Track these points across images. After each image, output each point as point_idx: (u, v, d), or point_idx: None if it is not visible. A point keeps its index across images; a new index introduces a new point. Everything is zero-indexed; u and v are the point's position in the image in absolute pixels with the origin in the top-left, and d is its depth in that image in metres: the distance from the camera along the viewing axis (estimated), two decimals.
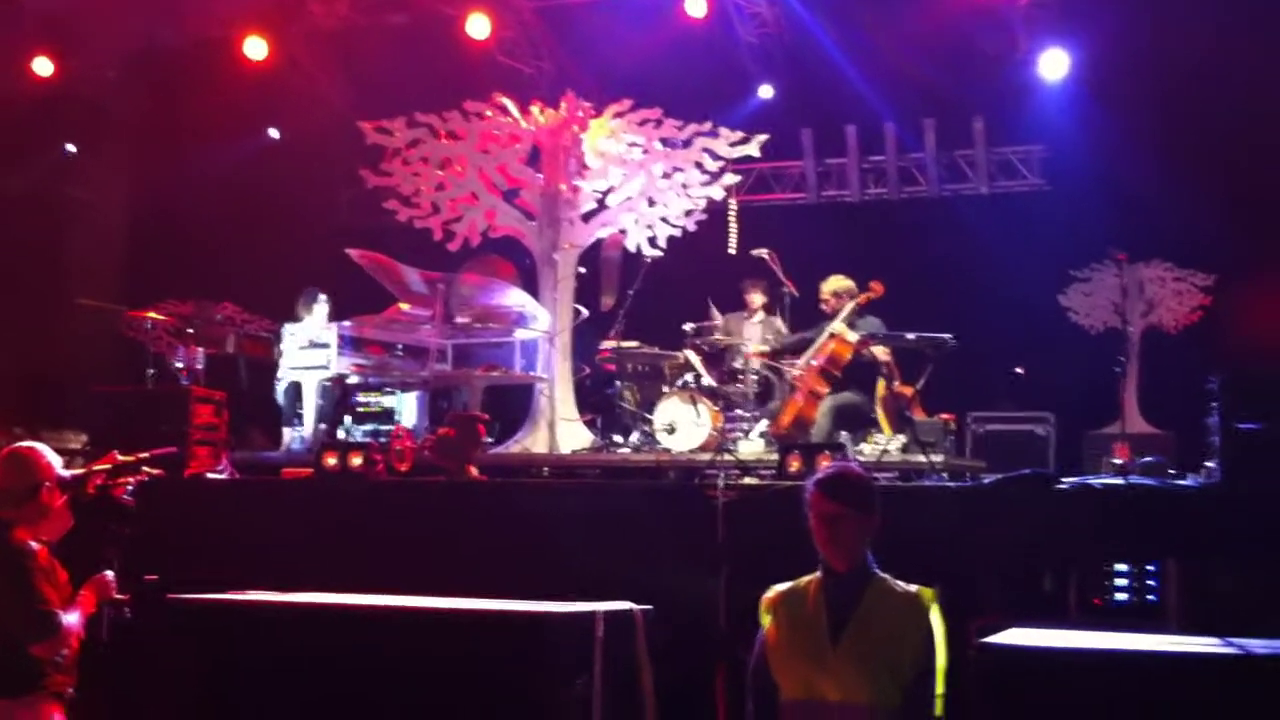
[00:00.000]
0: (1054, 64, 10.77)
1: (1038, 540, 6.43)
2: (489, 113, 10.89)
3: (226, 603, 5.03)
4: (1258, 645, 4.06)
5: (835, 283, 9.28)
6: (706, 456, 8.57)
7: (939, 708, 3.84)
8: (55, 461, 4.88)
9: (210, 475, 7.91)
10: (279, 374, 10.32)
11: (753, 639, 4.15)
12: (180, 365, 10.14)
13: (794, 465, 7.09)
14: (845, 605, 3.93)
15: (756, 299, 10.29)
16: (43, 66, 12.16)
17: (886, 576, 4.02)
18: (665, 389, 9.72)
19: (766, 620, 4.05)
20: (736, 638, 4.58)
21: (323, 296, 10.54)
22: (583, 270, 10.98)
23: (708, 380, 9.70)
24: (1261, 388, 6.34)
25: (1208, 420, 6.51)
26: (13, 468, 4.75)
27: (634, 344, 10.45)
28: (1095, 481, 6.89)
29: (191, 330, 10.87)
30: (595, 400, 10.76)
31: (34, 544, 4.69)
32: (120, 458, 5.33)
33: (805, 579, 4.05)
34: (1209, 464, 6.63)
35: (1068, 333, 11.25)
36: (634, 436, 9.92)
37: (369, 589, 5.41)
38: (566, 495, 7.54)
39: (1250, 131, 10.39)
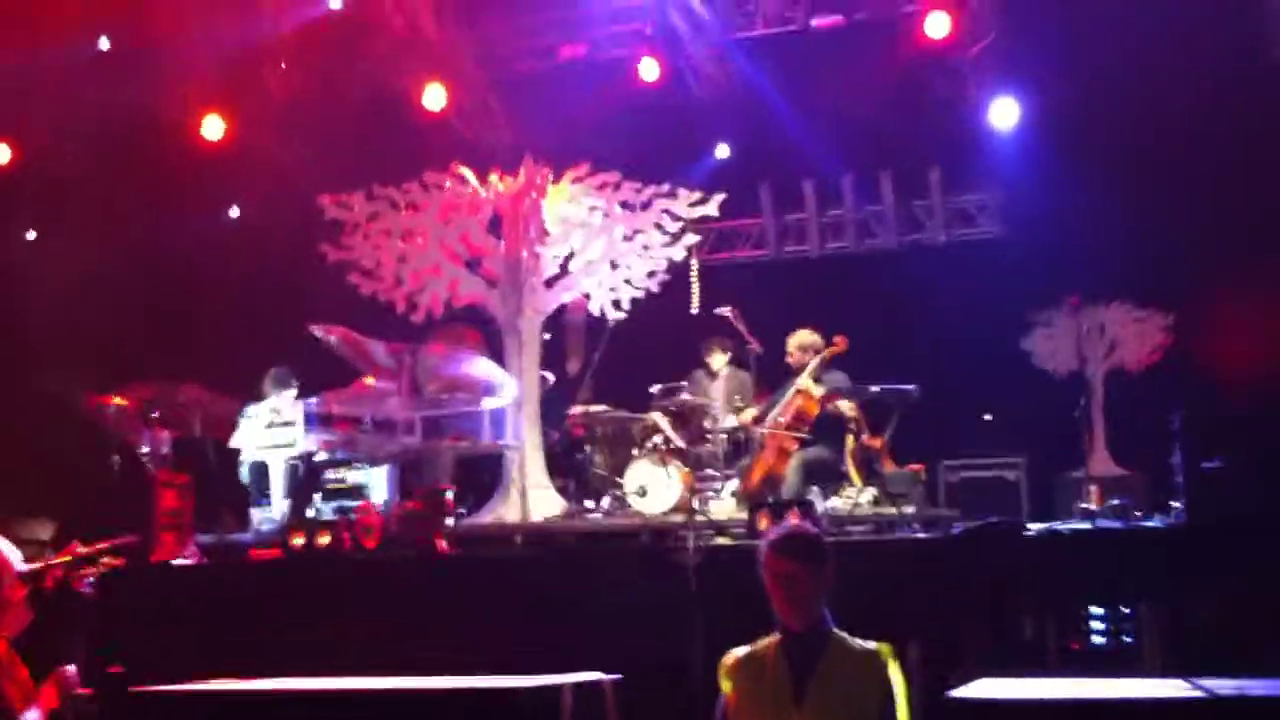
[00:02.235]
0: (1005, 111, 10.90)
1: (1011, 588, 6.43)
2: (448, 183, 10.92)
3: (192, 693, 4.95)
4: (1228, 686, 4.05)
5: (802, 337, 9.32)
6: (679, 518, 8.54)
7: None
8: (14, 556, 4.82)
9: (176, 562, 7.82)
10: (241, 454, 10.23)
11: None
12: (146, 450, 10.06)
13: (764, 522, 7.09)
14: (805, 665, 3.93)
15: (717, 359, 10.30)
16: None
17: (843, 634, 4.01)
18: (635, 452, 9.70)
19: (726, 685, 4.03)
20: (710, 701, 4.54)
21: (289, 374, 10.47)
22: (547, 336, 10.98)
23: (677, 441, 9.69)
24: (1221, 425, 6.39)
25: (1171, 460, 6.55)
26: None
27: (602, 408, 10.43)
28: (1062, 527, 6.92)
29: (156, 414, 10.79)
30: (565, 466, 10.73)
31: None
32: (81, 549, 5.27)
33: (763, 641, 4.05)
34: (1174, 503, 6.66)
35: (1033, 377, 11.30)
36: (605, 501, 9.88)
37: (339, 670, 5.35)
38: (537, 563, 7.51)
39: (1199, 168, 10.52)
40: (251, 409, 10.30)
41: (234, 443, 10.19)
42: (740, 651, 4.08)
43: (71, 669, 4.79)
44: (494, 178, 10.95)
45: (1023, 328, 11.50)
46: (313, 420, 9.88)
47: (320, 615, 6.95)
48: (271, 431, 10.10)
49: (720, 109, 12.12)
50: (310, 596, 7.14)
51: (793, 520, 5.20)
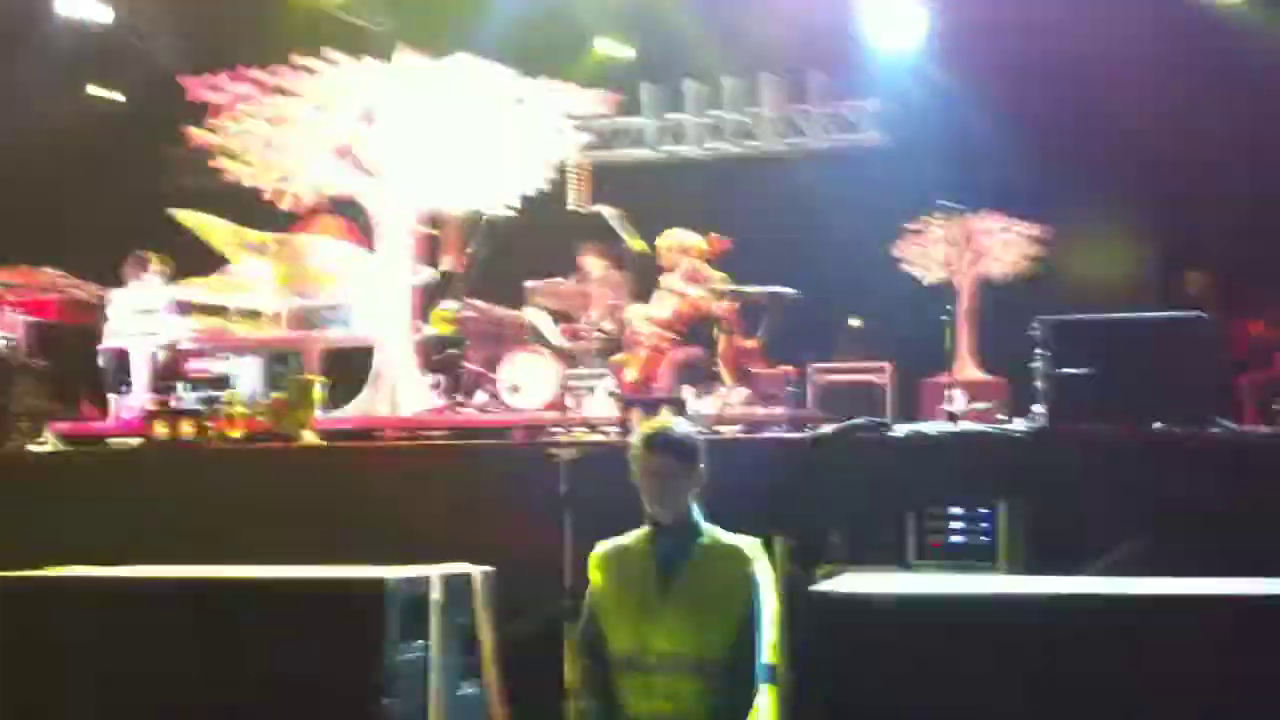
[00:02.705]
0: (892, 21, 10.90)
1: (875, 487, 6.57)
2: (320, 67, 10.56)
3: (44, 579, 4.82)
4: (1076, 584, 4.19)
5: (672, 238, 9.31)
6: (551, 415, 8.53)
7: (775, 655, 3.88)
8: None
9: (31, 448, 7.60)
10: (104, 340, 9.94)
11: None
12: (1, 334, 9.72)
13: (636, 421, 7.11)
14: (672, 558, 3.96)
15: (592, 256, 10.25)
16: None
17: (714, 528, 4.05)
18: (509, 348, 9.64)
19: (595, 576, 4.06)
20: (581, 596, 4.57)
21: (148, 259, 10.16)
22: (423, 229, 10.78)
23: (552, 338, 9.65)
24: (1081, 332, 6.55)
25: (1034, 366, 6.71)
26: None
27: (477, 303, 10.32)
28: (927, 428, 7.06)
29: (12, 296, 10.43)
30: (438, 361, 10.62)
31: None
32: None
33: (633, 534, 4.07)
34: (1036, 408, 6.84)
35: (903, 284, 11.49)
36: (478, 397, 9.82)
37: (202, 560, 5.25)
38: (406, 456, 7.45)
39: (1078, 88, 10.70)
40: (115, 293, 10.00)
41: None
42: (609, 544, 4.11)
43: None
44: (368, 63, 10.63)
45: (895, 235, 11.65)
46: (177, 308, 9.63)
47: (182, 506, 6.81)
48: (134, 318, 9.83)
49: (605, 4, 11.95)
50: (172, 487, 6.98)
51: (664, 417, 5.22)
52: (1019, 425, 7.34)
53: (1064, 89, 10.87)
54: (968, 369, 10.53)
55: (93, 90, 12.90)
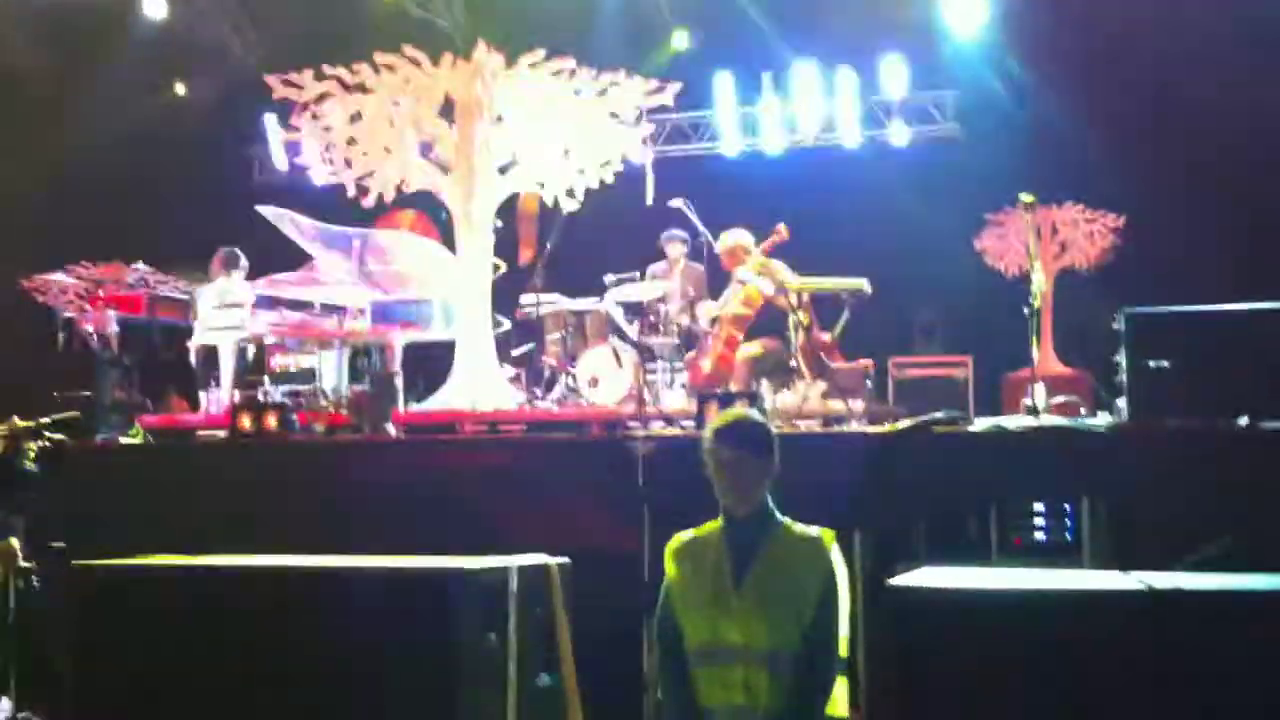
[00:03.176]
0: (969, 11, 10.78)
1: (955, 482, 6.52)
2: (400, 65, 10.68)
3: (132, 568, 4.94)
4: (1163, 579, 4.13)
5: (729, 240, 9.32)
6: (629, 409, 8.56)
7: (844, 649, 3.87)
8: None
9: (121, 440, 7.77)
10: (193, 337, 10.14)
11: None
12: (91, 328, 9.94)
13: (711, 414, 7.12)
14: (746, 550, 3.96)
15: (675, 249, 10.27)
16: None
17: (787, 520, 4.04)
18: (587, 342, 9.68)
19: (670, 568, 4.07)
20: (657, 588, 4.59)
21: (238, 256, 10.33)
22: (500, 224, 10.86)
23: (629, 332, 9.68)
24: (1165, 325, 6.44)
25: (1117, 359, 6.61)
26: None
27: (554, 297, 10.38)
28: (1008, 422, 6.98)
29: (102, 292, 10.65)
30: (516, 355, 10.70)
31: None
32: (20, 423, 5.20)
33: (707, 526, 4.07)
34: (1119, 402, 6.74)
35: (984, 276, 11.35)
36: (556, 390, 9.88)
37: (286, 550, 5.35)
38: (486, 450, 7.52)
39: (1155, 73, 10.50)
40: (202, 289, 10.18)
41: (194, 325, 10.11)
42: (685, 536, 4.11)
43: (14, 541, 4.75)
44: (447, 61, 10.73)
45: (976, 226, 11.51)
46: (262, 303, 9.79)
47: (266, 497, 6.94)
48: (220, 313, 10.00)
49: None
50: (257, 479, 7.12)
51: (736, 409, 5.21)
52: (1102, 420, 7.25)
53: (1140, 74, 10.67)
54: (1049, 362, 10.38)
55: (180, 88, 13.13)
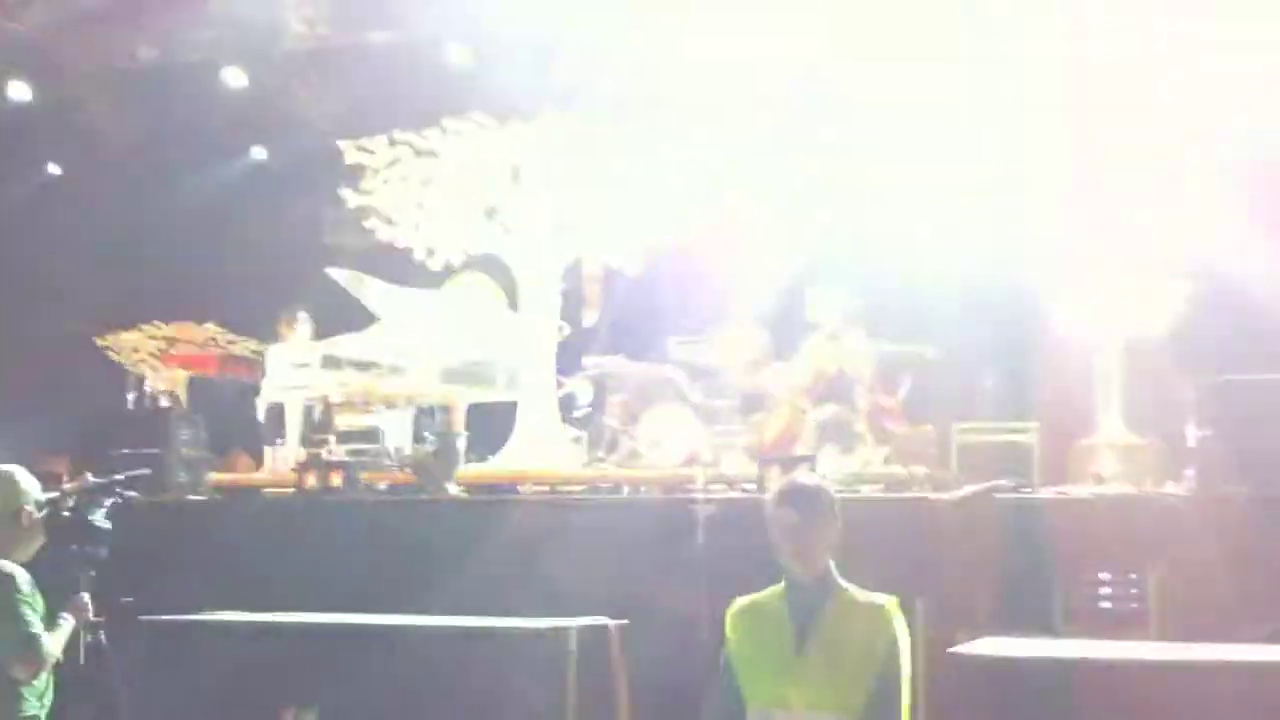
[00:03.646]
0: None
1: (1021, 550, 6.45)
2: (468, 130, 10.86)
3: (199, 623, 5.00)
4: (1234, 651, 4.06)
5: (819, 296, 9.30)
6: (690, 471, 8.56)
7: (906, 717, 3.83)
8: (34, 485, 4.85)
9: (190, 497, 7.89)
10: (261, 395, 10.29)
11: None
12: (162, 386, 10.13)
13: (774, 478, 7.11)
14: (809, 615, 3.93)
15: (739, 312, 10.28)
16: (18, 91, 12.20)
17: (850, 586, 4.02)
18: (649, 404, 9.71)
19: (732, 632, 4.05)
20: (719, 650, 4.57)
21: (305, 316, 10.51)
22: (565, 286, 10.96)
23: (692, 394, 9.69)
24: (1238, 394, 6.36)
25: (1187, 429, 6.53)
26: None
27: (617, 359, 10.43)
28: (1075, 490, 6.91)
29: (174, 351, 10.87)
30: (579, 416, 10.74)
31: (13, 568, 4.66)
32: (93, 479, 5.30)
33: (769, 590, 4.06)
34: (1188, 472, 6.65)
35: (1051, 340, 11.21)
36: (618, 452, 9.89)
37: (348, 607, 5.40)
38: (547, 511, 7.55)
39: (1229, 132, 10.38)
40: (272, 348, 10.36)
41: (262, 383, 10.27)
42: (746, 600, 4.10)
43: (85, 597, 4.82)
44: (515, 125, 10.89)
45: (1043, 292, 11.39)
46: (328, 363, 9.92)
47: (330, 555, 6.99)
48: (288, 373, 10.16)
49: None
50: (321, 536, 7.18)
51: (799, 473, 5.20)
52: (1170, 489, 7.15)
53: (1210, 130, 10.58)
54: (1116, 430, 10.23)
55: (257, 153, 13.40)
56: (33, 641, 4.53)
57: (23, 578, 4.63)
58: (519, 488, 9.32)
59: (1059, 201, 11.04)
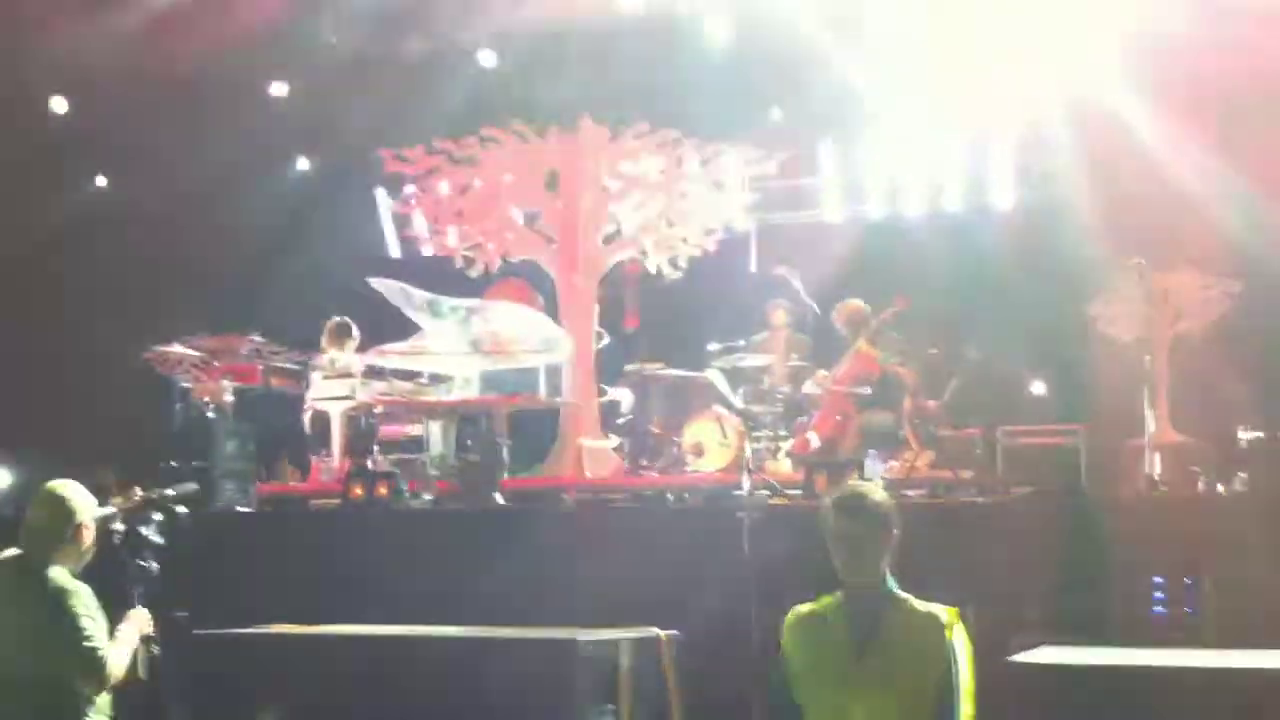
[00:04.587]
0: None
1: (1072, 555, 6.38)
2: (506, 138, 10.89)
3: (253, 636, 5.02)
4: None
5: (846, 309, 9.28)
6: (733, 477, 8.52)
7: None
8: (90, 500, 4.89)
9: (237, 509, 7.92)
10: (305, 406, 10.33)
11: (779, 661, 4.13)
12: (207, 398, 10.18)
13: (820, 483, 7.10)
14: (867, 625, 3.90)
15: (780, 318, 10.26)
16: (59, 105, 12.34)
17: (908, 596, 3.98)
18: (691, 410, 9.69)
19: (789, 643, 4.02)
20: (767, 659, 4.54)
21: (350, 326, 10.54)
22: (604, 293, 10.96)
23: (733, 401, 9.67)
24: None
25: (1240, 430, 6.45)
26: (54, 507, 4.75)
27: (658, 366, 10.42)
28: (1121, 492, 6.84)
29: (218, 363, 10.92)
30: (620, 424, 10.73)
31: (78, 583, 4.69)
32: (141, 494, 5.32)
33: (825, 600, 4.03)
34: (1242, 474, 6.57)
35: (1096, 343, 11.12)
36: (661, 459, 9.88)
37: (397, 618, 5.41)
38: (592, 520, 7.54)
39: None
40: (315, 359, 10.40)
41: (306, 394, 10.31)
42: (803, 609, 4.07)
43: (144, 610, 4.86)
44: (552, 132, 10.92)
45: (1088, 292, 11.29)
46: (371, 373, 9.95)
47: (378, 565, 7.02)
48: (330, 383, 10.20)
49: (781, 66, 11.97)
50: (368, 546, 7.21)
51: (857, 481, 5.15)
52: (1221, 490, 7.07)
53: (1261, 132, 10.45)
54: (1165, 432, 10.12)
55: (299, 163, 13.46)
56: (98, 656, 4.56)
57: (87, 592, 4.66)
58: (562, 496, 9.33)
59: (1107, 199, 10.96)
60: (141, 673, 4.79)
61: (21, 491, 10.62)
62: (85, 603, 4.62)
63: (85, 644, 4.55)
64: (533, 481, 9.81)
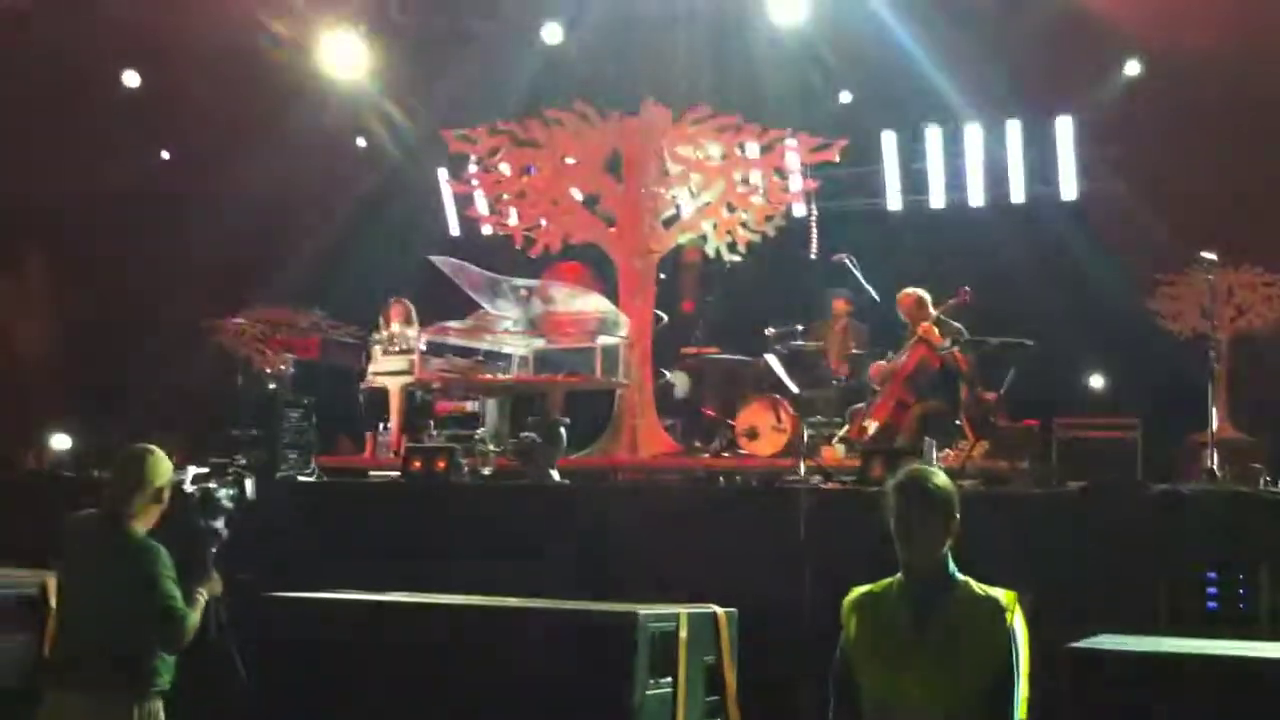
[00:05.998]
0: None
1: (1126, 546, 6.37)
2: (569, 120, 10.96)
3: (321, 600, 5.13)
4: None
5: (911, 296, 9.26)
6: (788, 461, 8.57)
7: (1023, 712, 3.82)
8: (169, 464, 5.01)
9: (300, 478, 8.06)
10: (364, 380, 10.47)
11: (835, 641, 4.17)
12: (268, 370, 10.35)
13: (877, 470, 7.11)
14: (926, 607, 3.93)
15: (840, 306, 10.28)
16: (130, 78, 12.56)
17: (968, 579, 4.02)
18: (747, 394, 9.74)
19: (849, 623, 4.07)
20: (819, 640, 4.59)
21: (408, 302, 10.66)
22: (663, 276, 11.02)
23: (789, 385, 9.70)
24: None
25: None
26: (142, 468, 4.85)
27: (715, 349, 10.47)
28: (1185, 488, 6.81)
29: (280, 336, 11.09)
30: (677, 406, 10.80)
31: (156, 544, 4.80)
32: (214, 461, 5.46)
33: (886, 581, 4.06)
34: None
35: (1155, 338, 11.07)
36: (715, 442, 9.94)
37: (454, 589, 5.50)
38: (648, 499, 7.61)
39: None
40: (375, 335, 10.54)
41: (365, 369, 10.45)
42: (863, 589, 4.10)
43: (214, 572, 4.98)
44: (615, 115, 10.97)
45: (1148, 286, 11.23)
46: (430, 349, 10.06)
47: (438, 537, 7.12)
48: (390, 359, 10.33)
49: (845, 53, 11.96)
50: (429, 519, 7.32)
51: (921, 465, 5.18)
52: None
53: None
54: (1224, 427, 10.06)
55: (360, 141, 13.59)
56: (176, 614, 4.68)
57: (165, 553, 4.77)
58: (617, 475, 9.41)
59: (1168, 194, 10.89)
60: (213, 632, 4.91)
61: (81, 454, 10.87)
62: (166, 562, 4.73)
63: (167, 603, 4.66)
64: (587, 461, 9.90)
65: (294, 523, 7.35)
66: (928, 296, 9.18)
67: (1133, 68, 11.34)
